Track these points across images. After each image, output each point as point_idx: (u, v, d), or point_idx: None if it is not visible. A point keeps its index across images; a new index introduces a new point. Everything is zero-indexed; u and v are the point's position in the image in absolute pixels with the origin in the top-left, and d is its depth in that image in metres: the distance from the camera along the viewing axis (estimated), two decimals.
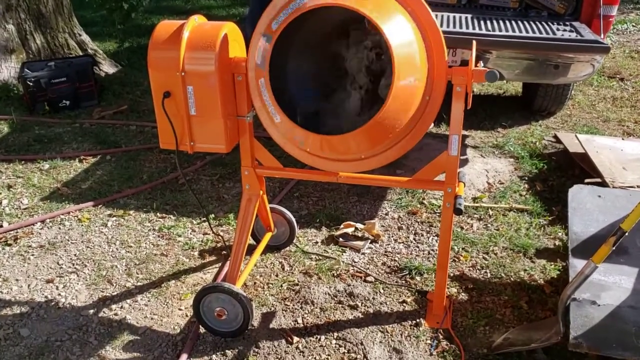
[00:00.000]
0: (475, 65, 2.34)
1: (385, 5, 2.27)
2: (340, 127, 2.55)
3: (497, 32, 3.56)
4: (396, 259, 3.29)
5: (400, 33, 2.19)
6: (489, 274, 3.17)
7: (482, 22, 3.82)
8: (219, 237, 3.41)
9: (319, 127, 2.57)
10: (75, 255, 3.32)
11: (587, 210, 2.84)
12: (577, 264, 2.60)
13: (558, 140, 4.50)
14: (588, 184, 3.72)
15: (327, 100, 2.65)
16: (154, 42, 2.48)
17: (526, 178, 4.15)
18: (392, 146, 2.46)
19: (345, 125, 2.53)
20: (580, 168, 4.13)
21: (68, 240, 3.45)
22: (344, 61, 2.59)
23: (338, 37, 2.63)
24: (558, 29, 3.68)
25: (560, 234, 3.53)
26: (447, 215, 2.62)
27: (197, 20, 2.56)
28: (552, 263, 3.26)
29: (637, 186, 3.62)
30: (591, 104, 5.61)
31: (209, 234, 3.51)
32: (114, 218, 3.67)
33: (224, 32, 2.48)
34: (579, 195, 2.91)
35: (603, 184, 3.68)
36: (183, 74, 2.45)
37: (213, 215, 3.67)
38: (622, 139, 4.26)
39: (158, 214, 3.71)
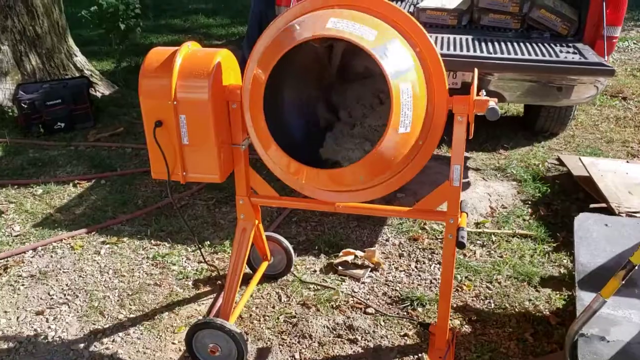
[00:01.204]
0: (478, 94, 2.27)
1: (384, 34, 2.20)
2: (337, 158, 2.47)
3: (499, 55, 3.49)
4: (397, 288, 3.19)
5: (399, 64, 2.11)
6: (492, 305, 3.07)
7: (483, 44, 3.75)
8: (213, 267, 3.31)
9: (314, 157, 2.49)
10: (67, 285, 3.23)
11: (594, 239, 2.75)
12: (584, 297, 2.50)
13: (561, 163, 4.42)
14: (593, 209, 3.65)
15: (323, 129, 2.57)
16: (145, 69, 2.41)
17: (529, 202, 4.06)
18: (392, 177, 2.38)
19: (342, 156, 2.45)
20: (585, 192, 4.04)
21: (60, 269, 3.36)
22: (339, 92, 2.51)
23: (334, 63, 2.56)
24: (561, 51, 3.61)
25: (565, 261, 3.44)
26: (449, 247, 2.52)
27: (190, 47, 2.48)
28: (558, 292, 3.16)
29: None
30: (594, 124, 5.53)
31: (203, 262, 3.41)
32: (107, 245, 3.57)
33: (218, 59, 2.41)
34: (586, 224, 2.82)
35: (608, 209, 3.59)
36: (175, 102, 2.38)
37: (208, 242, 3.57)
38: (627, 162, 4.18)
39: (152, 241, 3.62)
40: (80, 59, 6.01)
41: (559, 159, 4.49)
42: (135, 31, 6.49)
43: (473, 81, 2.28)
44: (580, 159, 4.16)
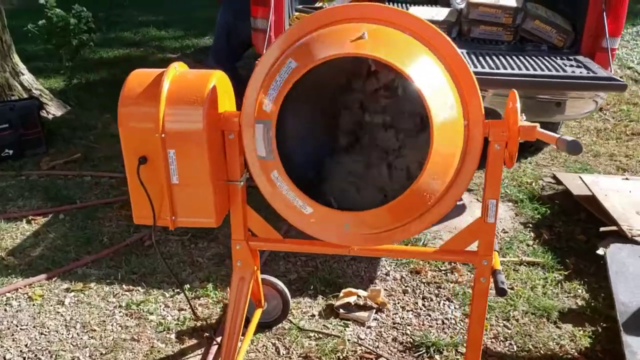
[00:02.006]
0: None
1: (411, 52, 1.88)
2: (355, 195, 2.13)
3: (502, 70, 3.23)
4: (408, 332, 2.86)
5: (437, 91, 1.80)
6: (514, 347, 2.78)
7: (480, 58, 3.49)
8: (198, 317, 2.91)
9: (326, 192, 2.14)
10: (26, 345, 2.76)
11: (631, 274, 2.50)
12: (632, 343, 2.25)
13: (558, 182, 4.20)
14: (604, 232, 3.43)
15: (336, 160, 2.22)
16: (126, 96, 2.02)
17: (530, 225, 3.81)
18: (418, 217, 2.05)
19: (362, 192, 2.11)
20: (587, 212, 3.83)
21: (17, 326, 2.88)
22: (357, 114, 2.17)
23: (346, 84, 2.22)
24: (565, 65, 3.38)
25: (580, 291, 3.19)
26: (482, 293, 2.22)
27: (177, 68, 2.10)
28: (580, 328, 2.90)
29: None
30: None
31: (185, 309, 3.00)
32: (72, 293, 3.11)
33: (213, 83, 2.04)
34: (619, 257, 2.57)
35: (619, 232, 3.37)
36: (163, 135, 1.99)
37: (188, 286, 3.16)
38: (627, 179, 3.99)
39: (124, 285, 3.18)
40: (27, 77, 5.47)
41: (555, 177, 4.28)
42: (88, 46, 5.99)
43: (514, 104, 1.99)
44: (580, 177, 3.95)
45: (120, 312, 2.98)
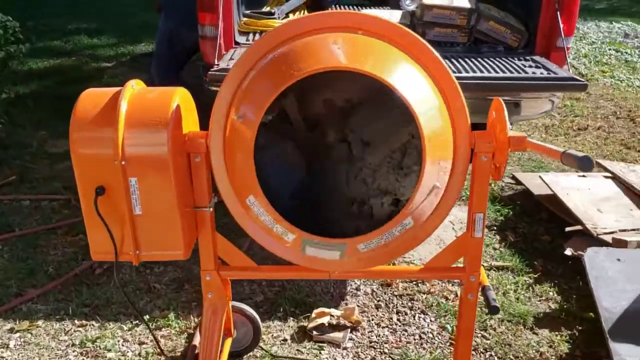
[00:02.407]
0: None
1: (396, 62, 1.75)
2: (334, 216, 1.99)
3: (465, 74, 3.15)
4: (385, 350, 2.74)
5: (423, 101, 1.68)
6: (495, 358, 2.70)
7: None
8: (162, 351, 2.69)
9: (305, 214, 1.98)
10: None
11: (611, 278, 2.46)
12: (620, 350, 2.20)
13: (517, 182, 4.19)
14: (570, 232, 3.42)
15: (314, 178, 2.07)
16: (79, 119, 1.80)
17: (495, 228, 3.77)
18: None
19: (341, 213, 1.96)
20: (548, 211, 3.83)
21: None
22: (339, 132, 2.02)
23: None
24: (524, 65, 3.34)
25: (551, 293, 3.16)
26: (470, 310, 2.12)
27: (135, 86, 1.90)
28: (557, 333, 2.86)
29: (620, 230, 3.34)
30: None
31: (146, 343, 2.78)
32: (18, 334, 2.82)
33: (176, 101, 1.85)
34: (597, 261, 2.53)
35: (584, 231, 3.37)
36: (123, 162, 1.79)
37: (147, 316, 2.94)
38: (584, 176, 4.01)
39: (76, 320, 2.92)
40: None
41: (514, 177, 4.27)
42: (16, 58, 5.60)
43: (500, 112, 1.89)
44: (540, 176, 3.94)
45: (74, 351, 2.73)
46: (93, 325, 2.89)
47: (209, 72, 3.11)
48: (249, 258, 2.14)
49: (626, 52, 8.48)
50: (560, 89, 3.18)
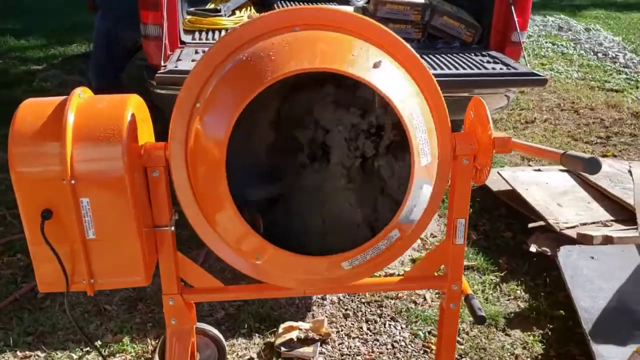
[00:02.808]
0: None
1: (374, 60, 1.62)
2: (307, 226, 1.83)
3: (443, 71, 3.06)
4: None
5: (407, 106, 1.55)
6: None
7: None
8: None
9: (276, 225, 1.82)
10: None
11: (586, 277, 2.42)
12: (603, 352, 2.15)
13: None
14: (533, 228, 3.39)
15: (282, 184, 1.90)
16: (19, 133, 1.59)
17: None
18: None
19: (321, 221, 1.81)
20: (506, 206, 3.80)
21: None
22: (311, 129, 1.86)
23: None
24: (482, 61, 3.28)
25: (518, 292, 3.11)
26: (452, 320, 2.02)
27: (82, 94, 1.69)
28: (529, 333, 2.81)
29: (580, 224, 3.34)
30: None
31: None
32: None
33: (130, 110, 1.66)
34: (570, 260, 2.48)
35: (547, 227, 3.35)
36: (73, 181, 1.58)
37: (99, 342, 2.70)
38: (539, 170, 4.01)
39: (19, 352, 2.65)
40: None
41: None
42: None
43: (482, 111, 1.79)
44: (498, 172, 3.91)
45: None
46: (38, 355, 2.63)
47: (157, 75, 2.89)
48: (214, 278, 1.96)
49: (562, 45, 8.67)
50: (522, 84, 3.14)
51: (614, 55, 8.05)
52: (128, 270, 1.73)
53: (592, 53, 8.24)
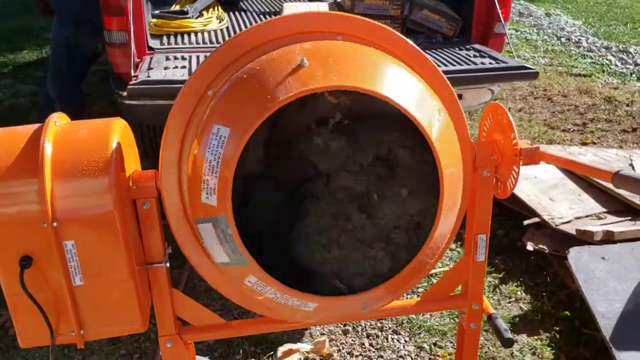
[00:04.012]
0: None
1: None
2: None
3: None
4: None
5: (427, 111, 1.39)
6: None
7: None
8: None
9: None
10: None
11: (600, 280, 2.32)
12: (626, 359, 2.04)
13: None
14: (527, 225, 3.30)
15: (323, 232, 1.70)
16: None
17: None
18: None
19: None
20: (497, 203, 3.68)
21: None
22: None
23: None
24: (469, 56, 3.16)
25: (519, 293, 3.01)
26: (473, 342, 1.89)
27: (57, 122, 1.48)
28: (536, 337, 2.71)
29: (575, 218, 3.26)
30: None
31: None
32: None
33: (115, 138, 1.45)
34: (582, 262, 2.38)
35: (542, 223, 3.26)
36: (55, 223, 1.37)
37: None
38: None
39: None
40: None
41: None
42: None
43: (504, 117, 1.64)
44: None
45: None
46: None
47: (129, 87, 2.66)
48: (215, 315, 1.77)
49: (525, 31, 8.67)
50: (514, 79, 3.02)
51: (576, 39, 8.08)
52: (122, 316, 1.54)
53: (555, 38, 8.25)
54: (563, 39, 8.15)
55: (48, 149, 1.38)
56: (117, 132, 1.47)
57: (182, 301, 1.74)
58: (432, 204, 1.41)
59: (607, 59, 7.10)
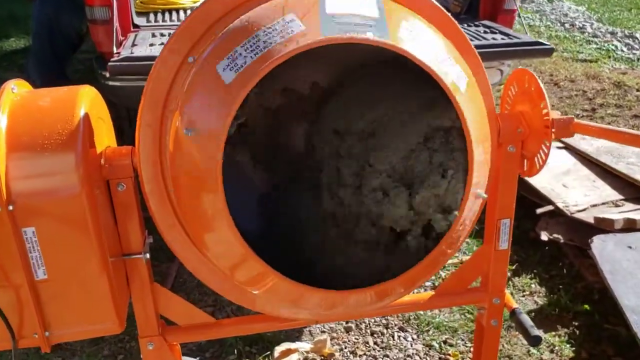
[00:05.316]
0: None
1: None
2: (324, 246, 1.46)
3: None
4: None
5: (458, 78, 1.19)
6: None
7: None
8: None
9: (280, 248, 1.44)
10: None
11: (626, 271, 2.12)
12: None
13: None
14: (541, 214, 3.10)
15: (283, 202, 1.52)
16: None
17: None
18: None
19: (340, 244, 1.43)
20: None
21: None
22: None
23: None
24: (479, 32, 2.95)
25: (533, 286, 2.82)
26: (493, 339, 1.68)
27: (15, 89, 1.26)
28: (554, 333, 2.52)
29: (591, 206, 3.06)
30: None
31: None
32: None
33: (83, 107, 1.24)
34: (607, 252, 2.18)
35: (556, 211, 3.06)
36: (11, 207, 1.16)
37: None
38: None
39: None
40: None
41: None
42: None
43: (533, 84, 1.44)
44: None
45: None
46: None
47: (110, 63, 2.44)
48: (204, 313, 1.57)
49: (527, 17, 8.45)
50: (528, 55, 2.81)
51: (580, 25, 7.87)
52: (95, 316, 1.33)
53: (558, 24, 8.04)
54: (567, 25, 7.93)
55: (2, 120, 1.17)
56: (86, 100, 1.26)
57: (166, 298, 1.53)
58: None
59: (612, 44, 6.89)
